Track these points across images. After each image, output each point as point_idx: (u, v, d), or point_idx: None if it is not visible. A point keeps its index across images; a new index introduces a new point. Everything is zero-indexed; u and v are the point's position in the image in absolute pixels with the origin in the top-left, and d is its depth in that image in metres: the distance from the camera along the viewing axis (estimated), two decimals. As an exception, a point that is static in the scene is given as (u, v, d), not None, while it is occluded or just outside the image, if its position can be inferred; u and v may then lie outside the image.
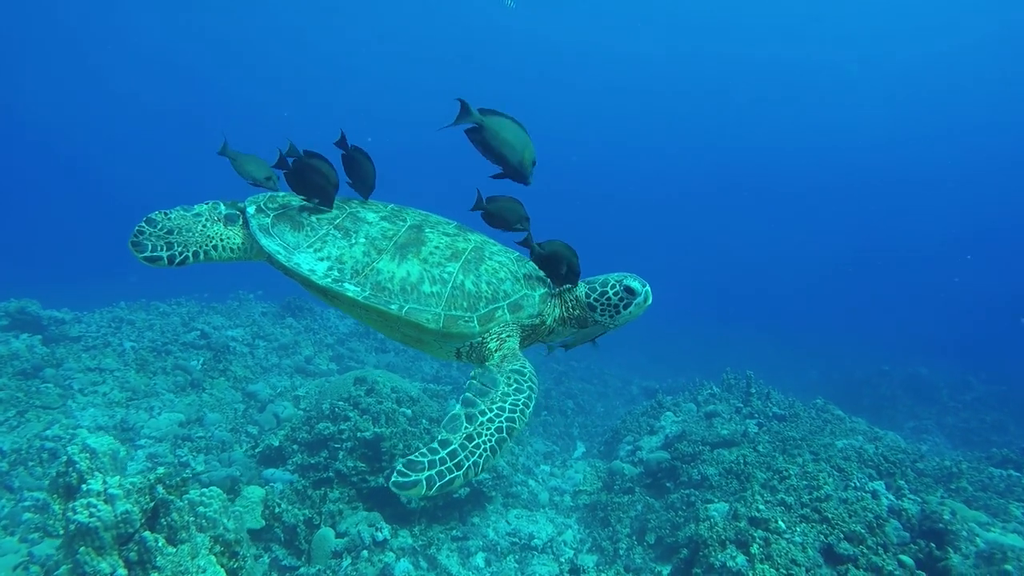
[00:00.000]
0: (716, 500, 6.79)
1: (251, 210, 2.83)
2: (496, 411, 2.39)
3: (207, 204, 2.92)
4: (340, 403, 7.34)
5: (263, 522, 5.87)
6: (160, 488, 4.01)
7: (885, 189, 51.29)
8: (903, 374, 19.84)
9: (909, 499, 6.66)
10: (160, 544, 3.47)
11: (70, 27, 42.78)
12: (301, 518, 6.00)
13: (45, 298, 11.31)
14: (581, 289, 2.82)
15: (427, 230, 2.80)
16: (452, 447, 2.25)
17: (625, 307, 2.74)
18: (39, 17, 42.59)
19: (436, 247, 2.72)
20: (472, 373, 2.58)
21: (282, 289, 16.31)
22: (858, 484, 6.81)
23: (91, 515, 3.33)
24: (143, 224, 2.74)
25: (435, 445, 2.26)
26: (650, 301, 2.76)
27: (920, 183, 50.68)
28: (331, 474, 6.69)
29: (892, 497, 6.61)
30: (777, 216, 53.32)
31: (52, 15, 42.21)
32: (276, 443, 7.15)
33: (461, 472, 2.20)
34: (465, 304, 2.61)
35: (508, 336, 2.71)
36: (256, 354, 11.62)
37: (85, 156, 50.97)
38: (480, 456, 2.26)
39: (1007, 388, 18.40)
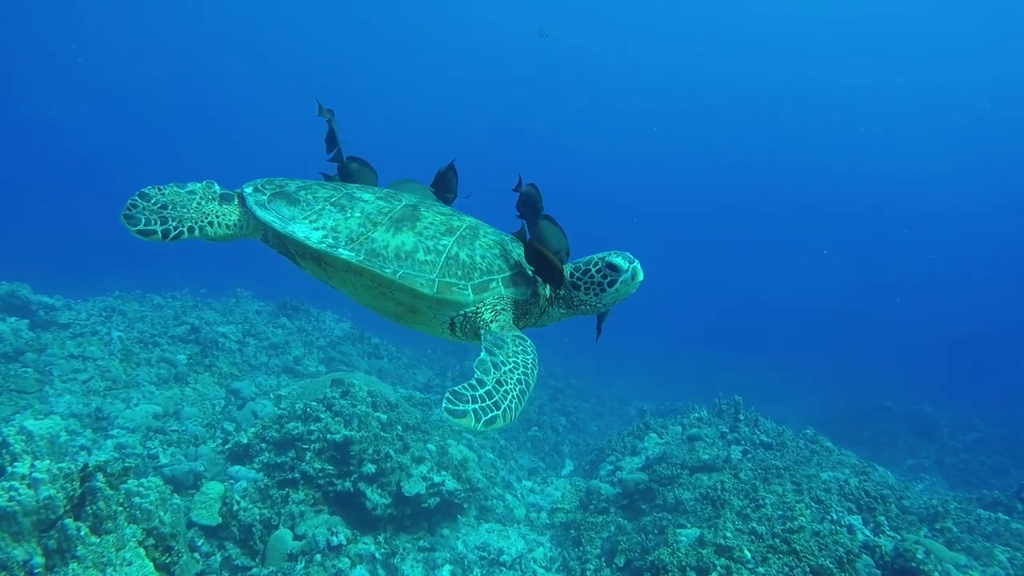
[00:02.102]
0: (689, 525, 6.60)
1: (248, 190, 2.93)
2: (513, 365, 2.43)
3: (201, 183, 2.97)
4: (313, 403, 7.24)
5: (219, 519, 5.75)
6: (100, 476, 3.92)
7: (899, 219, 50.90)
8: (906, 410, 19.49)
9: (887, 536, 6.46)
10: (82, 533, 3.37)
11: (73, 17, 42.91)
12: (258, 517, 5.88)
13: (49, 287, 11.35)
14: (567, 268, 2.80)
15: (423, 209, 2.84)
16: (488, 387, 2.29)
17: (610, 284, 2.68)
18: (42, 7, 42.94)
19: (431, 223, 2.75)
20: (483, 332, 2.61)
21: (279, 288, 16.32)
22: (835, 517, 6.60)
23: (11, 499, 3.24)
24: (136, 198, 2.77)
25: (473, 383, 2.30)
26: (640, 277, 2.67)
27: (932, 214, 50.32)
28: (296, 475, 6.58)
29: (869, 533, 6.41)
30: (789, 244, 52.86)
31: (57, 5, 42.59)
32: (245, 440, 7.05)
33: (500, 412, 2.24)
34: (459, 273, 2.61)
35: (503, 310, 2.71)
36: (245, 352, 11.56)
37: (96, 147, 51.27)
38: (511, 402, 2.31)
39: (1011, 431, 17.96)
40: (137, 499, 3.90)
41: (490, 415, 2.22)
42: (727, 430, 9.51)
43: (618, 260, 2.66)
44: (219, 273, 20.04)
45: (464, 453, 8.23)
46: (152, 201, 2.79)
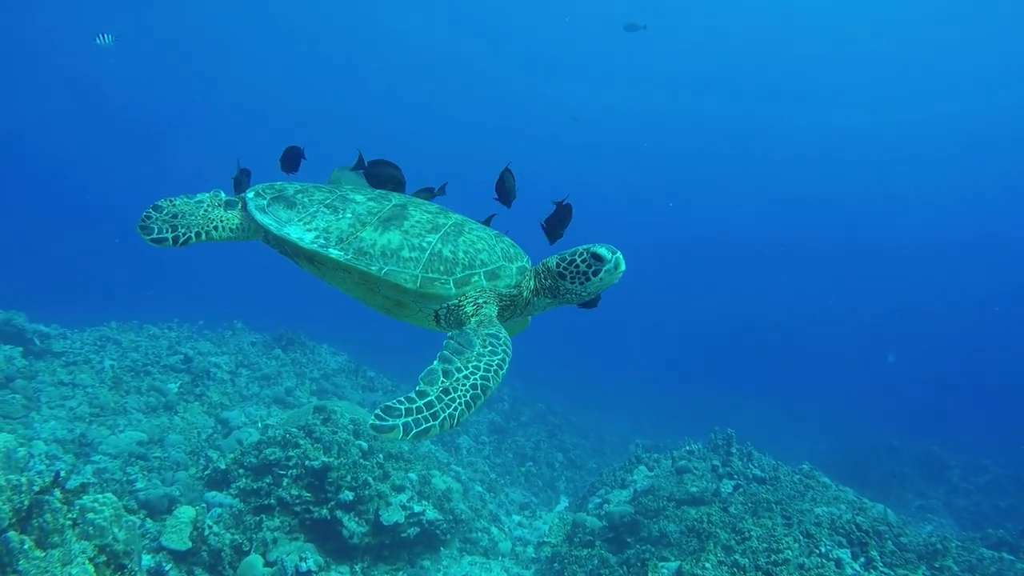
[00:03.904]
0: (672, 558, 6.43)
1: (250, 195, 3.13)
2: (471, 369, 2.48)
3: (209, 192, 3.24)
4: (293, 430, 7.19)
5: (190, 544, 5.65)
6: (56, 491, 3.89)
7: (904, 252, 50.73)
8: (914, 451, 19.04)
9: (879, 571, 6.24)
10: (26, 547, 3.32)
11: (66, 41, 42.21)
12: (228, 542, 5.78)
13: (48, 316, 11.45)
14: (552, 260, 2.94)
15: (411, 208, 3.00)
16: (429, 398, 2.33)
17: (595, 274, 2.80)
18: (30, 28, 43.30)
19: (418, 221, 2.90)
20: (449, 334, 2.67)
21: (277, 320, 16.39)
22: (824, 551, 6.39)
23: (-47, 508, 3.21)
24: (150, 210, 3.04)
25: (412, 395, 2.34)
26: (623, 267, 2.80)
27: (938, 245, 50.22)
28: (272, 501, 6.49)
29: (859, 567, 6.20)
30: (793, 280, 52.51)
31: (44, 24, 42.92)
32: (223, 466, 6.98)
33: (437, 423, 2.28)
34: (442, 268, 2.74)
35: (485, 303, 2.83)
36: (237, 382, 11.55)
37: (97, 172, 51.79)
38: (455, 409, 2.34)
39: (1024, 472, 17.47)
40: (91, 515, 3.85)
41: (423, 427, 2.25)
42: (719, 463, 9.31)
43: (602, 251, 2.78)
44: (218, 305, 20.22)
45: (448, 484, 8.10)
46: (164, 212, 3.06)
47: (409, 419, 2.23)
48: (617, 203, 55.78)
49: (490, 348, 2.59)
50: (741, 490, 8.46)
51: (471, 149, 52.36)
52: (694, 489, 7.96)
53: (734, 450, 9.47)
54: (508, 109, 53.52)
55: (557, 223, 3.30)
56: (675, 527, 7.00)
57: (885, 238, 51.26)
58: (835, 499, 8.86)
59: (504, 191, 3.55)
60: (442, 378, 2.42)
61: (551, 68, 49.77)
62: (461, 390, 2.40)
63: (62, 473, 4.62)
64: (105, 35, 11.31)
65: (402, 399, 2.31)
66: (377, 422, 2.22)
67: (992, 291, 48.08)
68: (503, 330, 2.74)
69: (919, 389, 34.60)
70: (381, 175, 3.50)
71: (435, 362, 2.50)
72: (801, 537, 6.67)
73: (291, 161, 3.79)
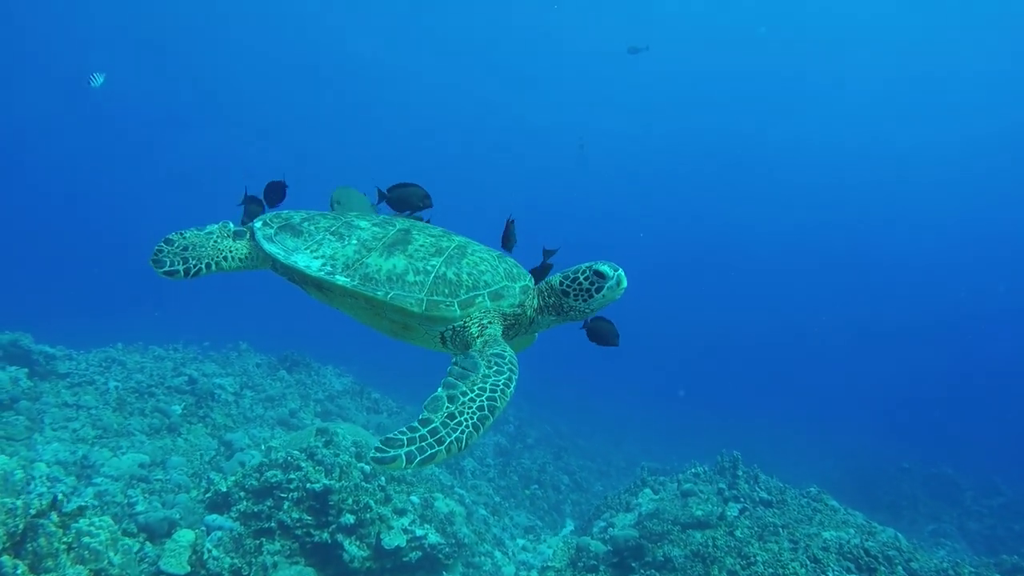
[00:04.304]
0: (676, 584, 6.33)
1: (258, 224, 3.20)
2: (477, 391, 2.48)
3: (218, 224, 3.33)
4: (295, 452, 7.15)
5: (188, 568, 5.61)
6: (54, 514, 3.88)
7: (916, 268, 50.53)
8: (925, 473, 18.75)
9: (888, 598, 6.12)
10: (19, 571, 3.30)
11: (76, 61, 42.04)
12: (227, 566, 5.73)
13: (55, 338, 11.52)
14: (556, 278, 3.01)
15: (414, 232, 3.06)
16: (433, 425, 2.33)
17: (597, 291, 2.86)
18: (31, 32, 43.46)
19: (421, 245, 2.95)
20: (453, 359, 2.68)
21: (283, 342, 16.41)
22: (831, 577, 6.29)
23: (-53, 531, 3.20)
24: (162, 244, 3.16)
25: (415, 424, 2.34)
26: (624, 284, 2.89)
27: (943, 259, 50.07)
28: (273, 524, 6.44)
29: (867, 594, 6.08)
30: (801, 298, 52.17)
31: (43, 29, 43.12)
32: (224, 489, 6.95)
33: (443, 447, 2.27)
34: (447, 291, 2.79)
35: (489, 323, 2.87)
36: (241, 404, 11.53)
37: (101, 195, 51.90)
38: (463, 432, 2.33)
39: (1040, 495, 17.15)
40: (87, 538, 3.84)
41: (428, 453, 2.24)
42: (725, 487, 9.20)
43: (604, 268, 2.85)
44: (224, 326, 20.25)
45: (451, 507, 8.04)
46: (175, 245, 3.16)
47: (413, 448, 2.23)
48: (622, 221, 55.97)
49: (496, 368, 2.60)
50: (747, 513, 8.35)
51: (469, 173, 53.03)
52: (699, 512, 7.85)
53: (740, 472, 9.36)
54: (504, 133, 54.23)
55: (537, 277, 3.34)
56: (680, 551, 6.89)
57: (893, 254, 51.11)
58: (843, 523, 8.71)
59: (506, 241, 3.63)
60: (447, 404, 2.43)
61: (548, 90, 50.70)
62: (468, 413, 2.40)
63: (60, 496, 4.60)
64: (96, 75, 11.58)
65: (404, 429, 2.31)
66: (378, 455, 2.21)
67: (1005, 309, 47.63)
68: (508, 348, 2.76)
69: (929, 409, 34.12)
70: (405, 195, 3.62)
71: (439, 389, 2.51)
72: (808, 562, 6.57)
73: (274, 195, 3.85)
